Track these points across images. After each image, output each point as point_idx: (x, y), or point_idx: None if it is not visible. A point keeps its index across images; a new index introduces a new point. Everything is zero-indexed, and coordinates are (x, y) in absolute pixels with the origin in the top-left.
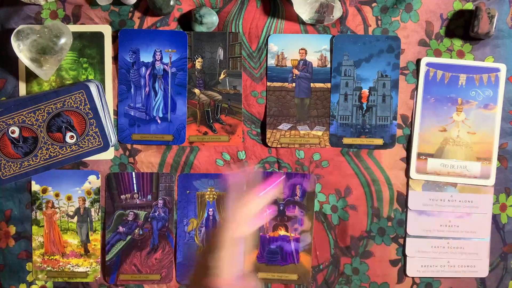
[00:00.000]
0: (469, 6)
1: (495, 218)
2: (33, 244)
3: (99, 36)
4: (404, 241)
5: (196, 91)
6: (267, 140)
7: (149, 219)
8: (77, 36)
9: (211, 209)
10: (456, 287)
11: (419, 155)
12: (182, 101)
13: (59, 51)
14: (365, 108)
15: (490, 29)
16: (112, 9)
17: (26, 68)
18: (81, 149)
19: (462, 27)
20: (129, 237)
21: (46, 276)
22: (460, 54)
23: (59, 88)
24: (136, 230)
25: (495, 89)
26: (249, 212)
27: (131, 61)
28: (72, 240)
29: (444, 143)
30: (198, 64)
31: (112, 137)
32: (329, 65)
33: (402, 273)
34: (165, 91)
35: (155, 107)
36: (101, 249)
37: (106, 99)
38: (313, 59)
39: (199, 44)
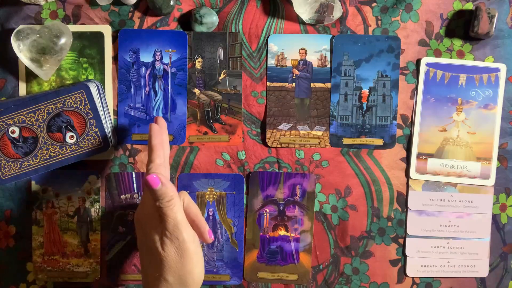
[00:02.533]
0: (469, 6)
1: (495, 218)
2: (33, 244)
3: (99, 36)
4: (404, 241)
5: (196, 91)
6: (267, 140)
7: None
8: (77, 36)
9: (211, 209)
10: (456, 287)
11: (419, 155)
12: (182, 101)
13: (59, 51)
14: (365, 108)
15: (490, 29)
16: (112, 9)
17: (26, 68)
18: (81, 149)
19: (462, 27)
20: (129, 237)
21: (46, 276)
22: (460, 54)
23: (59, 88)
24: None
25: (495, 89)
26: None
27: (131, 61)
28: (72, 240)
29: (444, 143)
30: (198, 64)
31: (112, 137)
32: (329, 65)
33: (402, 273)
34: (165, 91)
35: (155, 107)
36: (101, 249)
37: (106, 99)
38: (313, 59)
39: (199, 44)
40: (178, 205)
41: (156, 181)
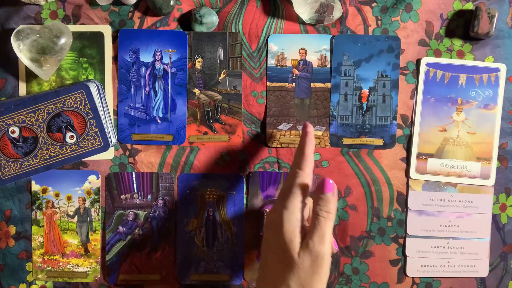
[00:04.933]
0: (469, 6)
1: (495, 218)
2: (33, 244)
3: (99, 36)
4: (404, 241)
5: (196, 91)
6: (267, 140)
7: (149, 219)
8: (77, 36)
9: (211, 209)
10: (456, 287)
11: (419, 155)
12: (182, 101)
13: (59, 51)
14: (365, 108)
15: (490, 29)
16: (112, 9)
17: (26, 68)
18: (81, 149)
19: (462, 27)
20: (129, 237)
21: (46, 276)
22: (460, 54)
23: (59, 88)
24: (136, 230)
25: (495, 89)
26: None
27: (131, 61)
28: (72, 240)
29: (444, 143)
30: (198, 64)
31: (112, 137)
32: (329, 65)
33: (402, 273)
34: (165, 91)
35: (155, 107)
36: (101, 249)
37: (106, 99)
38: (313, 59)
39: (199, 44)
40: (332, 222)
41: (332, 187)
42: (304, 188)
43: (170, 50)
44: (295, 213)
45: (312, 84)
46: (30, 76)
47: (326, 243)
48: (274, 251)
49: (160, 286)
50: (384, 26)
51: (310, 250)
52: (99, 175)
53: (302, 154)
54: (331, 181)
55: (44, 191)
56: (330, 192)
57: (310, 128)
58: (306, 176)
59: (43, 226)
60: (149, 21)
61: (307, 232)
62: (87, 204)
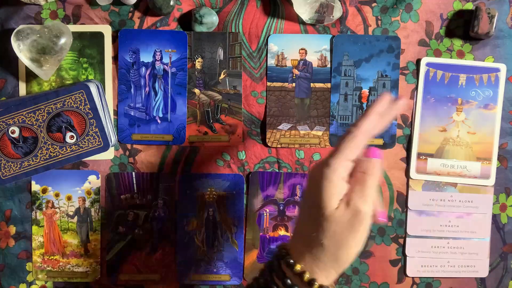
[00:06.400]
0: (469, 6)
1: (495, 218)
2: (33, 244)
3: (99, 36)
4: (404, 241)
5: (196, 91)
6: (267, 140)
7: (149, 219)
8: (77, 36)
9: (211, 209)
10: (456, 287)
11: (419, 155)
12: (182, 101)
13: (59, 51)
14: (365, 108)
15: (490, 29)
16: (112, 9)
17: (26, 68)
18: (81, 149)
19: (462, 27)
20: (129, 237)
21: (46, 276)
22: (460, 54)
23: (59, 88)
24: (136, 230)
25: (495, 89)
26: None
27: (131, 61)
28: (72, 240)
29: (444, 143)
30: (198, 64)
31: (112, 137)
32: (329, 65)
33: (402, 273)
34: (165, 91)
35: (155, 107)
36: (101, 249)
37: (106, 99)
38: (313, 59)
39: (199, 44)
40: (376, 184)
41: (380, 154)
42: (352, 146)
43: (170, 50)
44: (338, 170)
45: (312, 84)
46: (30, 76)
47: (367, 201)
48: (309, 207)
49: (160, 286)
50: (384, 26)
51: (349, 206)
52: (99, 175)
53: (364, 113)
54: (379, 150)
55: (44, 191)
56: (378, 158)
57: (385, 95)
58: (360, 133)
59: (43, 226)
60: (149, 21)
61: (349, 189)
62: (87, 204)
